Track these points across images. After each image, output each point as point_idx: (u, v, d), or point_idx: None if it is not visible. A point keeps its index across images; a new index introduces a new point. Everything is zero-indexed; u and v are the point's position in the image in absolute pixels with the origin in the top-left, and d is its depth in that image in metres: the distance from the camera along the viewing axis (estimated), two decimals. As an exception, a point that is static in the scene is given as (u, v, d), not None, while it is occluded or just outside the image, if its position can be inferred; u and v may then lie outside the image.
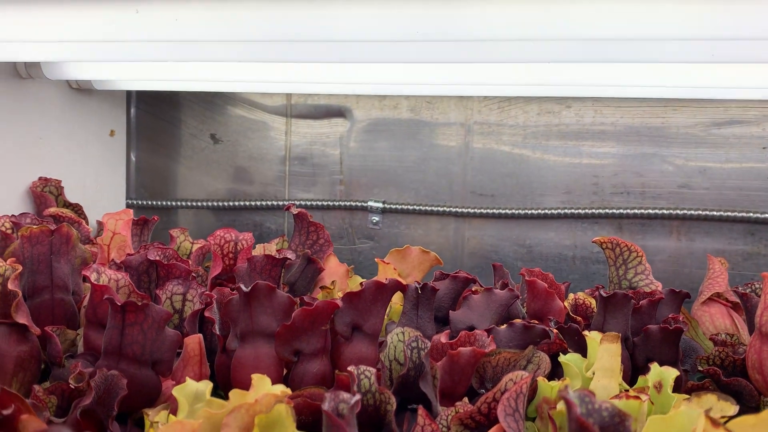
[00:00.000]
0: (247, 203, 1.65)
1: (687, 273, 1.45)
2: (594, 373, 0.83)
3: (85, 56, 1.05)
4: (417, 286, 0.93)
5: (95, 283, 0.85)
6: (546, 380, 0.80)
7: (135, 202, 1.69)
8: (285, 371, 0.86)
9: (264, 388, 0.66)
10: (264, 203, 1.64)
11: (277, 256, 1.04)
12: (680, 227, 1.44)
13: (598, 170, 1.48)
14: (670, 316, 0.98)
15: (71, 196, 1.43)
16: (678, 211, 1.42)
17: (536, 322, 0.93)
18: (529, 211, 1.50)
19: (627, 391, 0.80)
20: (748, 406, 0.87)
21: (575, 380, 0.84)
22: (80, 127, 1.52)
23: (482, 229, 1.55)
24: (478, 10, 0.83)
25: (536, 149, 1.51)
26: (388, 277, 1.01)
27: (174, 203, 1.68)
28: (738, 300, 1.10)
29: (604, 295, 0.93)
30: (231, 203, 1.66)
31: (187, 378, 0.71)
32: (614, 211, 1.45)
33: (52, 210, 1.31)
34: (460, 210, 1.54)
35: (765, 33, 0.77)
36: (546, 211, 1.49)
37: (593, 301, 1.07)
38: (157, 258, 1.00)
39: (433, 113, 1.56)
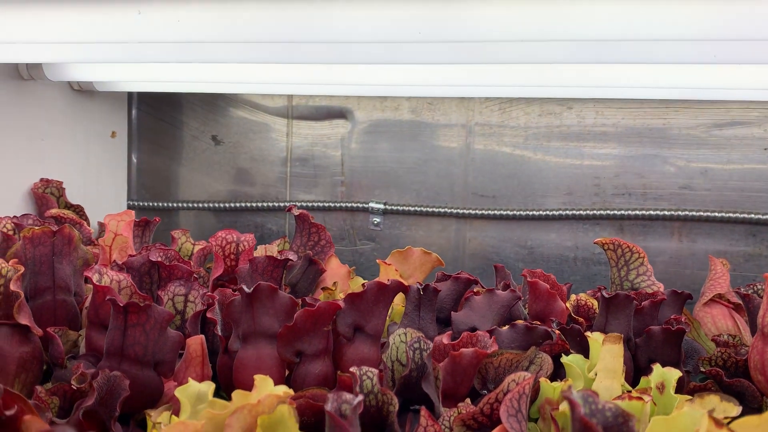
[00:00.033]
0: (249, 204, 1.65)
1: (688, 274, 1.44)
2: (596, 374, 0.83)
3: (87, 57, 1.05)
4: (419, 287, 0.93)
5: (97, 284, 0.85)
6: (548, 381, 0.80)
7: (136, 204, 1.69)
8: (287, 372, 0.86)
9: (266, 388, 0.66)
10: (265, 204, 1.64)
11: (278, 257, 1.04)
12: (681, 228, 1.44)
13: (600, 171, 1.48)
14: (672, 317, 0.98)
15: (72, 198, 1.43)
16: (679, 212, 1.42)
17: (538, 323, 0.93)
18: (531, 213, 1.50)
19: (629, 392, 0.80)
20: (751, 407, 0.87)
21: (577, 381, 0.84)
22: (82, 129, 1.52)
23: (483, 231, 1.55)
24: (479, 12, 0.83)
25: (537, 150, 1.51)
26: (390, 278, 1.01)
27: (175, 204, 1.69)
28: (740, 301, 1.10)
29: (607, 296, 0.93)
30: (232, 204, 1.66)
31: (190, 379, 0.71)
32: (615, 212, 1.45)
33: (54, 211, 1.31)
34: (461, 211, 1.54)
35: (766, 34, 0.77)
36: (547, 212, 1.49)
37: (595, 302, 1.07)
38: (159, 259, 1.00)
39: (434, 114, 1.56)
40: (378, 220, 1.59)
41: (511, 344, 0.90)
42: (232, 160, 1.68)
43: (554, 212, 1.49)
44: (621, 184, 1.47)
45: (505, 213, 1.52)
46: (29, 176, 1.38)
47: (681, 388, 0.86)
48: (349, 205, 1.61)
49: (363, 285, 0.88)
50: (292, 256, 1.06)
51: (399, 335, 0.81)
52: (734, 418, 0.67)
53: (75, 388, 0.74)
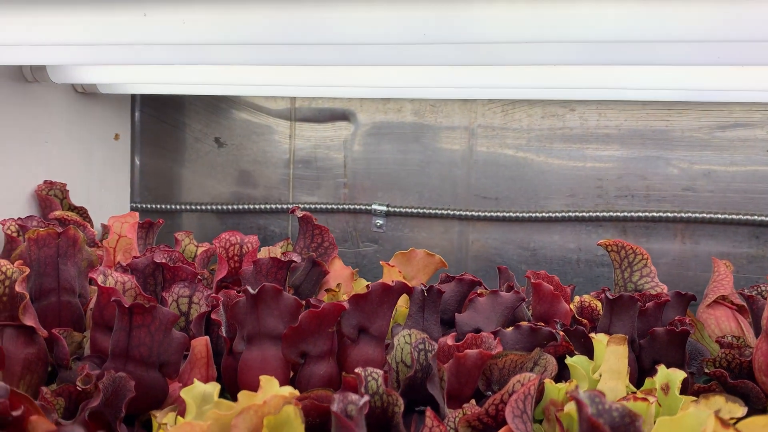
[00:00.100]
0: (252, 206, 1.65)
1: (691, 276, 1.44)
2: (601, 375, 0.83)
3: (92, 59, 1.05)
4: (423, 288, 0.93)
5: (102, 285, 0.85)
6: (553, 382, 0.80)
7: (139, 206, 1.70)
8: (291, 373, 0.86)
9: (272, 389, 0.66)
10: (268, 206, 1.65)
11: (282, 259, 1.04)
12: (684, 230, 1.44)
13: (602, 173, 1.48)
14: (676, 318, 0.98)
15: (76, 200, 1.44)
16: (682, 214, 1.42)
17: (542, 324, 0.93)
18: (533, 214, 1.50)
19: (634, 393, 0.80)
20: (755, 408, 0.87)
21: (582, 382, 0.84)
22: (85, 131, 1.52)
23: (486, 232, 1.55)
24: (484, 13, 0.83)
25: (540, 152, 1.51)
26: (394, 279, 1.01)
27: (178, 206, 1.69)
28: (743, 303, 1.10)
29: (611, 297, 0.93)
30: (235, 206, 1.66)
31: (195, 380, 0.71)
32: (618, 214, 1.45)
33: (58, 213, 1.31)
34: (464, 213, 1.54)
35: (770, 35, 0.78)
36: (550, 214, 1.49)
37: (599, 304, 1.07)
38: (164, 261, 1.00)
39: (437, 117, 1.56)
40: (381, 222, 1.59)
41: (516, 345, 0.90)
42: (235, 163, 1.68)
43: (557, 214, 1.49)
44: (624, 186, 1.47)
45: (507, 215, 1.52)
46: (33, 178, 1.39)
47: (685, 389, 0.86)
48: (352, 207, 1.61)
49: (367, 286, 0.88)
50: (295, 258, 1.06)
51: (403, 336, 0.82)
52: (739, 419, 0.67)
53: (80, 389, 0.74)
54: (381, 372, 0.71)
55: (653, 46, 0.92)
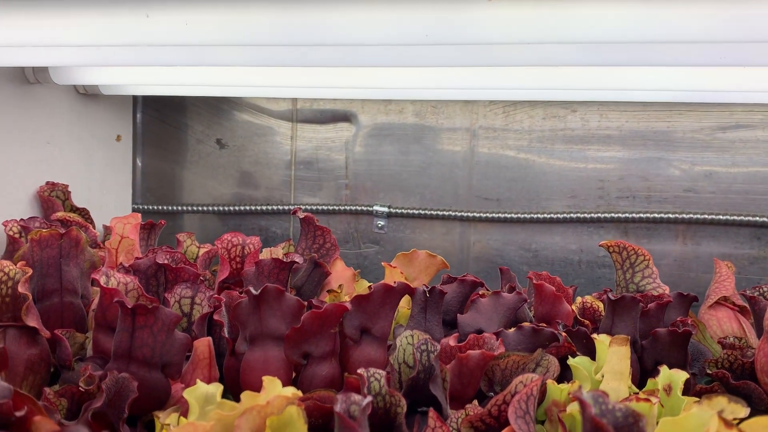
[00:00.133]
0: (253, 208, 1.65)
1: (693, 277, 1.44)
2: (603, 376, 0.83)
3: (95, 60, 1.05)
4: (425, 289, 0.93)
5: (105, 286, 0.85)
6: (555, 383, 0.80)
7: (141, 207, 1.70)
8: (294, 374, 0.86)
9: (275, 390, 0.66)
10: (270, 208, 1.65)
11: (284, 260, 1.04)
12: (686, 231, 1.44)
13: (604, 174, 1.48)
14: (678, 319, 0.98)
15: (78, 201, 1.44)
16: (684, 215, 1.42)
17: (544, 325, 0.93)
18: (535, 216, 1.50)
19: (636, 393, 0.80)
20: (757, 409, 0.87)
21: (584, 383, 0.84)
22: (87, 132, 1.53)
23: (487, 234, 1.55)
24: (486, 14, 0.83)
25: (542, 153, 1.51)
26: (396, 280, 1.01)
27: (180, 208, 1.69)
28: (745, 304, 1.10)
29: (613, 298, 0.93)
30: (237, 208, 1.66)
31: (198, 380, 0.71)
32: (620, 215, 1.45)
33: (60, 214, 1.31)
34: (465, 214, 1.54)
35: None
36: (551, 215, 1.49)
37: (601, 305, 1.07)
38: (166, 261, 1.00)
39: (438, 118, 1.56)
40: (382, 223, 1.60)
41: (518, 346, 0.90)
42: (237, 164, 1.68)
43: (558, 215, 1.49)
44: (625, 187, 1.47)
45: (509, 216, 1.52)
46: (35, 179, 1.39)
47: (687, 390, 0.86)
48: (354, 208, 1.61)
49: (370, 287, 0.88)
50: (298, 259, 1.06)
51: (406, 337, 0.82)
52: (742, 420, 0.67)
53: (83, 389, 0.74)
54: (383, 373, 0.71)
55: (654, 46, 0.92)
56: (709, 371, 0.92)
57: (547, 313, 1.02)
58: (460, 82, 1.27)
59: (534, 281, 1.04)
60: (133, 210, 1.70)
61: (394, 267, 1.18)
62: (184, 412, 0.75)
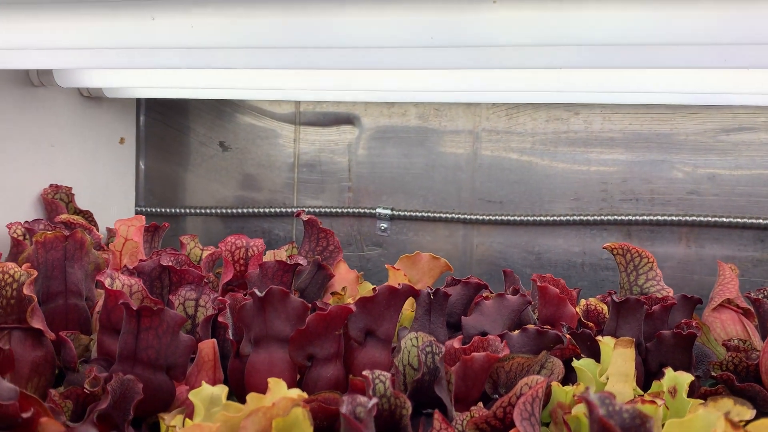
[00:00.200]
0: (256, 210, 1.66)
1: (696, 280, 1.44)
2: (608, 378, 0.83)
3: (100, 63, 1.06)
4: (429, 291, 0.93)
5: (109, 288, 0.85)
6: (560, 385, 0.80)
7: (144, 210, 1.70)
8: (298, 376, 0.86)
9: (280, 392, 0.66)
10: (272, 210, 1.65)
11: (288, 262, 1.04)
12: (689, 234, 1.44)
13: (607, 177, 1.48)
14: (682, 321, 0.98)
15: (81, 203, 1.44)
16: (687, 218, 1.42)
17: (549, 327, 0.93)
18: (538, 218, 1.50)
19: (641, 396, 0.80)
20: (762, 411, 0.87)
21: (589, 385, 0.84)
22: (91, 135, 1.53)
23: (490, 236, 1.55)
24: (490, 16, 0.83)
25: (545, 156, 1.51)
26: (400, 282, 1.02)
27: (183, 210, 1.69)
28: (749, 306, 1.10)
29: (617, 300, 0.93)
30: (239, 210, 1.66)
31: (203, 382, 0.71)
32: (623, 217, 1.45)
33: (63, 217, 1.31)
34: (468, 217, 1.54)
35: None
36: (554, 217, 1.49)
37: (605, 307, 1.07)
38: (170, 264, 1.00)
39: (441, 120, 1.56)
40: (385, 225, 1.60)
41: (522, 348, 0.90)
42: (240, 166, 1.68)
43: (562, 218, 1.49)
44: (628, 190, 1.47)
45: (512, 218, 1.52)
46: (39, 182, 1.39)
47: (692, 392, 0.86)
48: (356, 210, 1.61)
49: (374, 289, 0.88)
50: (301, 261, 1.06)
51: (410, 339, 0.82)
52: (748, 422, 0.67)
53: (88, 391, 0.74)
54: (388, 375, 0.71)
55: (657, 49, 0.92)
56: (713, 374, 0.92)
57: (551, 315, 1.02)
58: (463, 84, 1.27)
59: (538, 283, 1.04)
60: (136, 212, 1.70)
61: (398, 269, 1.18)
62: (189, 414, 0.75)
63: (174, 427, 0.71)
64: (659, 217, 1.43)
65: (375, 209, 1.60)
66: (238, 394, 0.87)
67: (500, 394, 0.84)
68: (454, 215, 1.55)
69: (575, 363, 0.85)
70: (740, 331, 1.09)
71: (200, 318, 0.95)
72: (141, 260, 1.03)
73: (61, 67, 1.28)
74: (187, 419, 0.72)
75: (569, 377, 0.89)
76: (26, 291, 0.82)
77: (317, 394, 0.78)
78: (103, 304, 0.87)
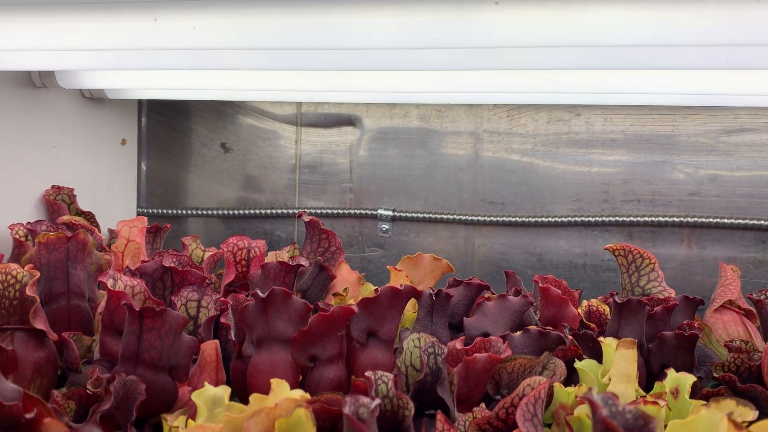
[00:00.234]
0: (257, 211, 1.66)
1: (698, 281, 1.44)
2: (610, 379, 0.83)
3: (102, 64, 1.06)
4: (431, 292, 0.93)
5: (112, 289, 0.85)
6: (562, 386, 0.80)
7: (145, 211, 1.70)
8: (300, 377, 0.86)
9: (283, 392, 0.66)
10: (274, 211, 1.65)
11: (290, 263, 1.04)
12: (691, 235, 1.44)
13: (608, 178, 1.48)
14: (684, 322, 0.98)
15: (83, 204, 1.44)
16: (689, 219, 1.42)
17: (551, 328, 0.93)
18: (539, 219, 1.50)
19: (644, 397, 0.80)
20: (765, 412, 0.87)
21: (591, 386, 0.84)
22: (92, 136, 1.53)
23: (492, 237, 1.55)
24: (492, 17, 0.83)
25: (546, 157, 1.51)
26: (402, 283, 1.02)
27: (184, 212, 1.69)
28: (751, 307, 1.10)
29: (619, 301, 0.94)
30: (241, 211, 1.66)
31: (206, 383, 0.71)
32: (625, 218, 1.45)
33: (65, 218, 1.31)
34: (469, 218, 1.54)
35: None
36: (556, 218, 1.49)
37: (606, 308, 1.07)
38: (172, 265, 1.00)
39: (442, 122, 1.56)
40: (386, 226, 1.60)
41: (524, 349, 0.90)
42: (241, 168, 1.69)
43: (563, 219, 1.49)
44: (630, 191, 1.47)
45: (513, 220, 1.52)
46: (41, 183, 1.39)
47: (694, 393, 0.86)
48: (358, 211, 1.61)
49: (376, 290, 0.88)
50: (303, 262, 1.06)
51: (413, 340, 0.82)
52: (751, 423, 0.67)
53: (90, 392, 0.74)
54: (391, 375, 0.71)
55: (659, 50, 0.92)
56: (715, 375, 0.92)
57: (553, 316, 1.02)
58: (465, 85, 1.27)
59: (540, 284, 1.04)
60: (138, 214, 1.70)
61: (400, 270, 1.18)
62: (192, 415, 0.75)
63: (177, 427, 0.71)
64: (661, 218, 1.43)
65: (376, 210, 1.60)
66: (240, 395, 0.87)
67: (502, 395, 0.84)
68: (455, 216, 1.55)
69: (577, 364, 0.85)
70: (742, 332, 1.09)
71: (202, 319, 0.95)
72: (143, 261, 1.03)
73: (64, 69, 1.28)
74: (189, 420, 0.72)
75: (571, 378, 0.89)
76: (29, 292, 0.82)
77: (319, 395, 0.78)
78: (106, 304, 0.87)
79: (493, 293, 1.09)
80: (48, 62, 1.11)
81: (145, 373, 0.78)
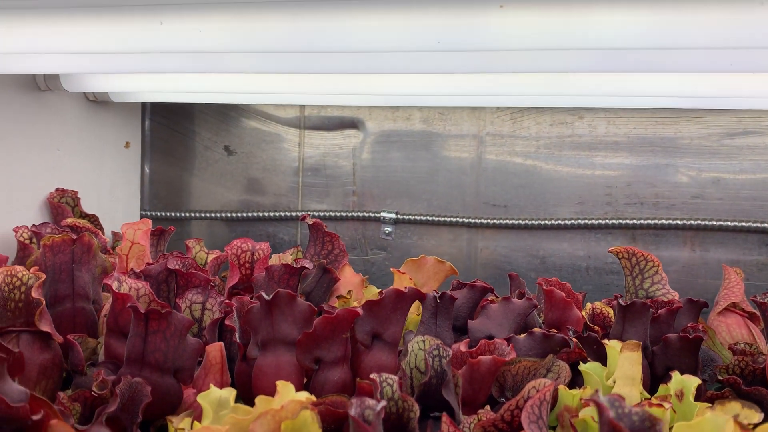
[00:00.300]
0: (261, 214, 1.66)
1: (701, 284, 1.44)
2: (614, 382, 0.83)
3: (108, 67, 1.06)
4: (436, 295, 0.93)
5: (117, 291, 0.85)
6: (567, 389, 0.80)
7: (149, 214, 1.70)
8: (305, 379, 0.86)
9: (289, 394, 0.66)
10: (277, 214, 1.65)
11: (294, 266, 1.04)
12: (694, 238, 1.44)
13: (612, 181, 1.48)
14: (689, 325, 0.98)
15: (87, 207, 1.45)
16: (692, 222, 1.42)
17: (555, 331, 0.93)
18: (543, 222, 1.50)
19: (648, 399, 0.80)
20: (769, 415, 0.87)
21: (597, 388, 0.84)
22: (97, 139, 1.53)
23: (495, 240, 1.55)
24: (496, 20, 0.83)
25: (549, 160, 1.51)
26: (406, 286, 1.02)
27: (188, 214, 1.70)
28: (755, 310, 1.10)
29: (623, 304, 0.94)
30: (244, 214, 1.67)
31: (212, 385, 0.71)
32: (628, 221, 1.45)
33: (70, 220, 1.32)
34: (472, 221, 1.54)
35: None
36: (559, 221, 1.49)
37: (610, 311, 1.07)
38: (177, 267, 1.00)
39: (445, 124, 1.57)
40: (390, 229, 1.60)
41: (529, 352, 0.90)
42: (245, 170, 1.69)
43: (566, 222, 1.49)
44: (633, 194, 1.47)
45: (516, 222, 1.52)
46: (45, 186, 1.40)
47: (699, 396, 0.86)
48: (361, 214, 1.61)
49: (381, 293, 0.88)
50: (307, 265, 1.06)
51: (417, 342, 0.82)
52: (756, 425, 0.67)
53: (96, 394, 0.75)
54: (396, 378, 0.71)
55: (662, 52, 0.92)
56: (720, 377, 0.92)
57: (557, 319, 1.02)
58: (468, 88, 1.28)
59: (544, 287, 1.04)
60: (142, 216, 1.70)
61: (403, 273, 1.18)
62: (197, 417, 0.75)
63: (182, 429, 0.71)
64: (664, 221, 1.44)
65: (379, 213, 1.60)
66: (245, 397, 0.87)
67: (507, 398, 0.84)
68: (458, 219, 1.55)
69: (582, 366, 0.85)
70: (746, 334, 1.09)
71: (207, 321, 0.95)
72: (148, 264, 1.03)
73: (70, 72, 1.28)
74: (195, 422, 0.72)
75: (576, 381, 0.89)
76: (34, 294, 0.82)
77: (324, 397, 0.78)
78: (111, 307, 0.87)
79: (496, 296, 1.09)
80: (53, 65, 1.12)
81: (150, 375, 0.78)
